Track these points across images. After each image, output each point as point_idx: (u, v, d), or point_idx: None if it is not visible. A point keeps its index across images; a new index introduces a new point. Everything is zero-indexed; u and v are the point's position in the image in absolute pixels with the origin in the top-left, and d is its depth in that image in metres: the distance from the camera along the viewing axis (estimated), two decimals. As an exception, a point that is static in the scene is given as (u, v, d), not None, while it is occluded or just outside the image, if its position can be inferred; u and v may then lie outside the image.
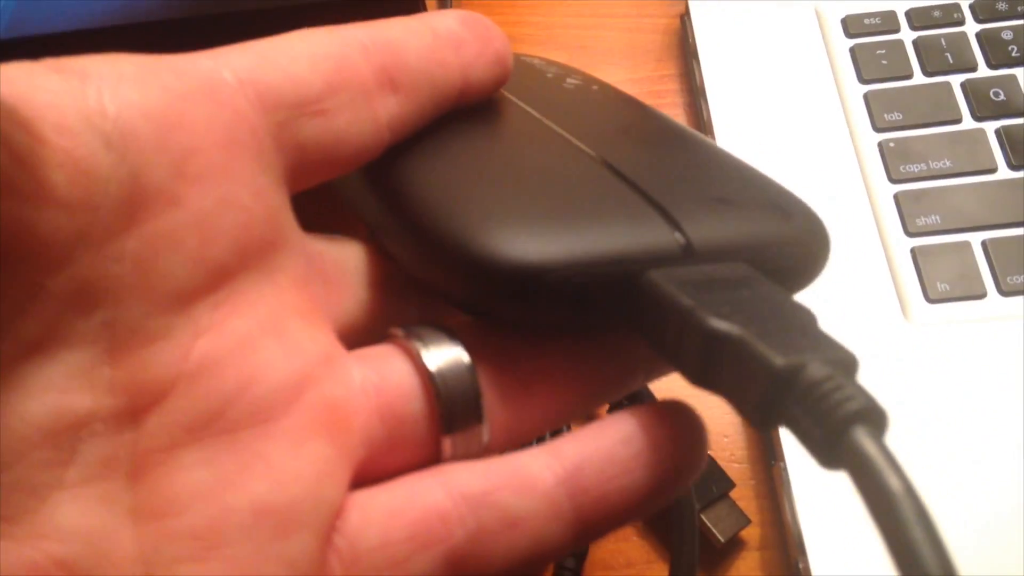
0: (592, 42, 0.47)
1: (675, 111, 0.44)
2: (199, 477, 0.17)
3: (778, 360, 0.16)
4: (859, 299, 0.34)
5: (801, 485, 0.30)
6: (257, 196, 0.18)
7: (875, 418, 0.15)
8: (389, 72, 0.20)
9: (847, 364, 0.16)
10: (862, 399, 0.15)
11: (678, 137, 0.24)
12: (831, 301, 0.34)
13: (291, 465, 0.17)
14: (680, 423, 0.20)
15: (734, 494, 0.32)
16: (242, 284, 0.18)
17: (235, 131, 0.18)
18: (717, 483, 0.32)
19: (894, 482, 0.15)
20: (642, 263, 0.18)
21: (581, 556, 0.32)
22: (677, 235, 0.19)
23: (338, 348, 0.19)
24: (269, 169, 0.18)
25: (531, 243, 0.18)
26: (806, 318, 0.17)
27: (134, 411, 0.16)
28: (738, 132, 0.39)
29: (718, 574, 0.32)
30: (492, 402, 0.19)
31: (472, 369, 0.19)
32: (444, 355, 0.19)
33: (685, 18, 0.44)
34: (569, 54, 0.46)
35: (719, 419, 0.35)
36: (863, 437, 0.15)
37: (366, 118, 0.19)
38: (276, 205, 0.19)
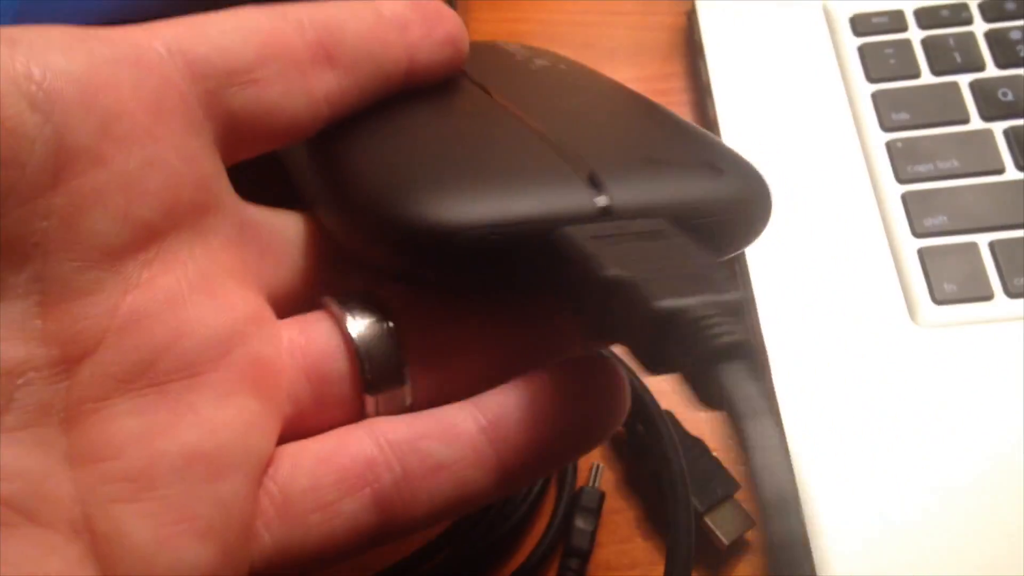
0: (598, 40, 0.46)
1: (681, 109, 0.44)
2: (131, 424, 0.18)
3: (656, 304, 0.16)
4: (865, 300, 0.34)
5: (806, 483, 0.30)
6: (187, 160, 0.19)
7: (744, 354, 0.16)
8: (326, 48, 0.21)
9: (727, 305, 0.17)
10: (730, 336, 0.16)
11: (629, 104, 0.24)
12: (837, 301, 0.34)
13: (219, 415, 0.19)
14: (600, 376, 0.21)
15: (740, 496, 0.32)
16: (172, 243, 0.19)
17: (163, 97, 0.19)
18: (721, 485, 0.32)
19: (751, 415, 0.15)
20: (559, 222, 0.19)
21: (585, 556, 0.32)
22: (599, 196, 0.19)
23: (267, 310, 0.21)
24: (200, 135, 0.19)
25: (447, 206, 0.19)
26: (709, 268, 0.18)
27: (66, 361, 0.17)
28: (745, 130, 0.38)
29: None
30: (416, 366, 0.21)
31: (394, 333, 0.21)
32: (368, 320, 0.21)
33: (691, 16, 0.44)
34: (574, 52, 0.46)
35: (723, 421, 0.35)
36: (729, 373, 0.16)
37: (300, 91, 0.20)
38: (208, 169, 0.20)
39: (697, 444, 0.33)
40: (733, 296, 0.17)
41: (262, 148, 0.21)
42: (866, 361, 0.32)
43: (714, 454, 0.33)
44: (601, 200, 0.19)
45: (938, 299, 0.33)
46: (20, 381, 0.17)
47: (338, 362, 0.21)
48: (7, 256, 0.17)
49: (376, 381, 0.20)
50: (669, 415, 0.34)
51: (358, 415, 0.21)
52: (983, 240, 0.34)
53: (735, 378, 0.16)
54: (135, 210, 0.18)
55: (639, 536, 0.33)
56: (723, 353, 0.16)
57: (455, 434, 0.20)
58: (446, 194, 0.19)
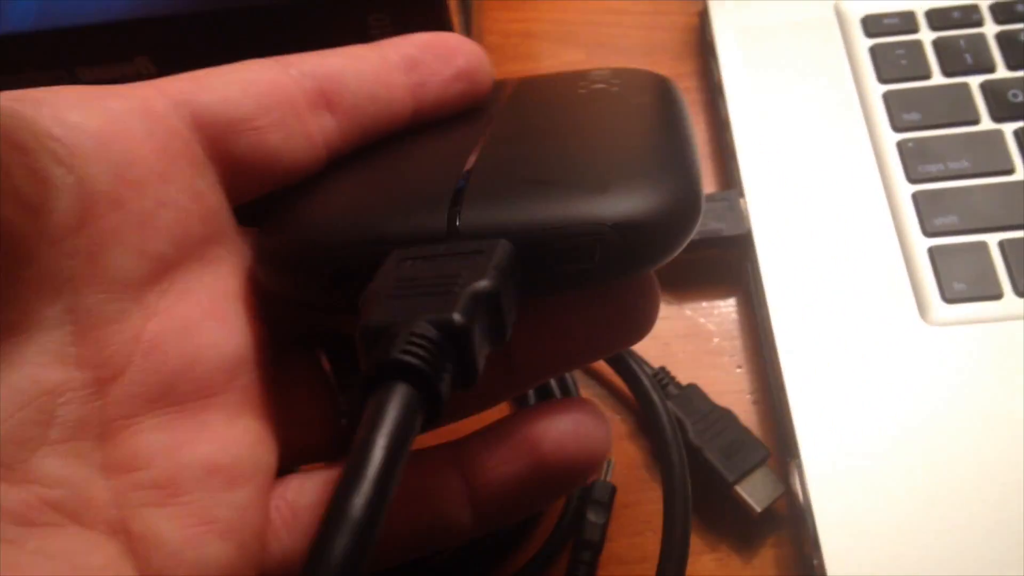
0: (610, 39, 0.47)
1: (693, 108, 0.44)
2: (157, 439, 0.20)
3: (363, 317, 0.18)
4: (876, 298, 0.34)
5: (817, 481, 0.31)
6: (194, 198, 0.21)
7: (405, 376, 0.17)
8: (325, 95, 0.23)
9: (441, 324, 0.18)
10: (401, 356, 0.17)
11: (605, 125, 0.24)
12: (848, 299, 0.34)
13: (230, 433, 0.21)
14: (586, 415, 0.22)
15: (770, 463, 0.33)
16: (185, 273, 0.21)
17: (170, 144, 0.21)
18: (751, 453, 0.32)
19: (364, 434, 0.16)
20: (401, 242, 0.20)
21: (596, 549, 0.32)
22: (448, 218, 0.20)
23: (266, 333, 0.23)
24: (205, 175, 0.22)
25: (305, 231, 0.21)
26: (461, 283, 0.18)
27: (99, 383, 0.19)
28: (756, 130, 0.39)
29: (756, 548, 0.33)
30: None
31: None
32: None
33: (704, 16, 0.44)
34: (587, 51, 0.47)
35: (748, 384, 0.35)
36: (381, 389, 0.17)
37: (299, 136, 0.22)
38: (214, 205, 0.22)
39: (726, 415, 0.34)
40: (448, 317, 0.17)
41: (266, 188, 0.23)
42: (876, 359, 0.33)
43: (743, 423, 0.34)
44: (445, 222, 0.20)
45: (948, 298, 0.34)
46: (60, 400, 0.19)
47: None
48: (43, 292, 0.19)
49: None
50: (694, 388, 0.34)
51: None
52: (993, 239, 0.35)
53: (381, 395, 0.17)
54: (150, 245, 0.20)
55: (650, 530, 0.33)
56: (383, 368, 0.17)
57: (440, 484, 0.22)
58: (313, 222, 0.21)
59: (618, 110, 0.24)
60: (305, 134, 0.22)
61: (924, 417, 0.31)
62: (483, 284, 0.18)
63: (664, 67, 0.45)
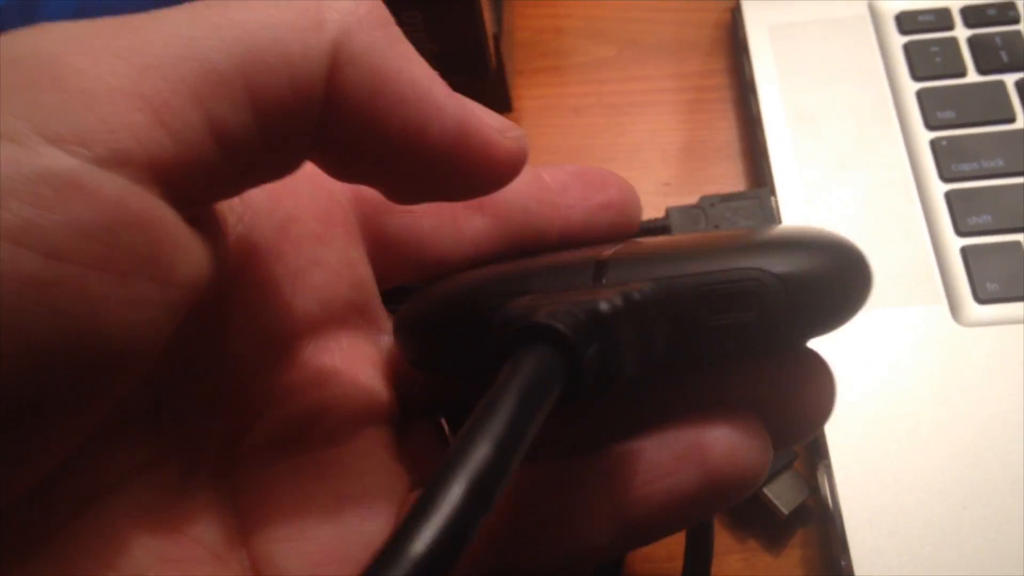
0: (642, 36, 0.47)
1: (724, 106, 0.44)
2: (285, 482, 0.20)
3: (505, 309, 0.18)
4: (908, 298, 0.34)
5: (845, 483, 0.30)
6: (346, 265, 0.22)
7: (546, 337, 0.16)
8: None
9: (587, 306, 0.17)
10: (550, 321, 0.16)
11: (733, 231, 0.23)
12: (879, 299, 0.34)
13: (360, 466, 0.21)
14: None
15: (797, 465, 0.33)
16: (327, 334, 0.22)
17: (331, 210, 0.22)
18: (778, 456, 0.32)
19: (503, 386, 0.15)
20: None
21: (623, 547, 0.32)
22: (592, 277, 0.19)
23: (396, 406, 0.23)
24: (358, 247, 0.22)
25: (443, 297, 0.22)
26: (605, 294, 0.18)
27: (236, 431, 0.20)
28: (787, 127, 0.38)
29: (783, 547, 0.33)
30: None
31: None
32: None
33: (736, 13, 0.44)
34: (619, 48, 0.46)
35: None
36: (524, 354, 0.16)
37: (449, 228, 0.23)
38: (363, 277, 0.22)
39: None
40: (587, 300, 0.17)
41: (411, 275, 0.24)
42: (907, 359, 0.32)
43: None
44: (583, 280, 0.19)
45: (981, 298, 0.33)
46: (201, 449, 0.20)
47: None
48: (201, 340, 0.19)
49: None
50: None
51: None
52: (1027, 240, 0.34)
53: (520, 357, 0.16)
54: (298, 300, 0.21)
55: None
56: (522, 332, 0.16)
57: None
58: (454, 289, 0.22)
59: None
60: (456, 228, 0.23)
61: (954, 418, 0.31)
62: (631, 292, 0.17)
63: (696, 64, 0.45)
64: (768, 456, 0.19)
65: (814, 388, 0.19)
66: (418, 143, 0.17)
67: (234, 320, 0.20)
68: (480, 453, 0.14)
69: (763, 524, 0.33)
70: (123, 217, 0.14)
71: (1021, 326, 0.33)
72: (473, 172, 0.18)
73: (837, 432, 0.31)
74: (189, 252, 0.16)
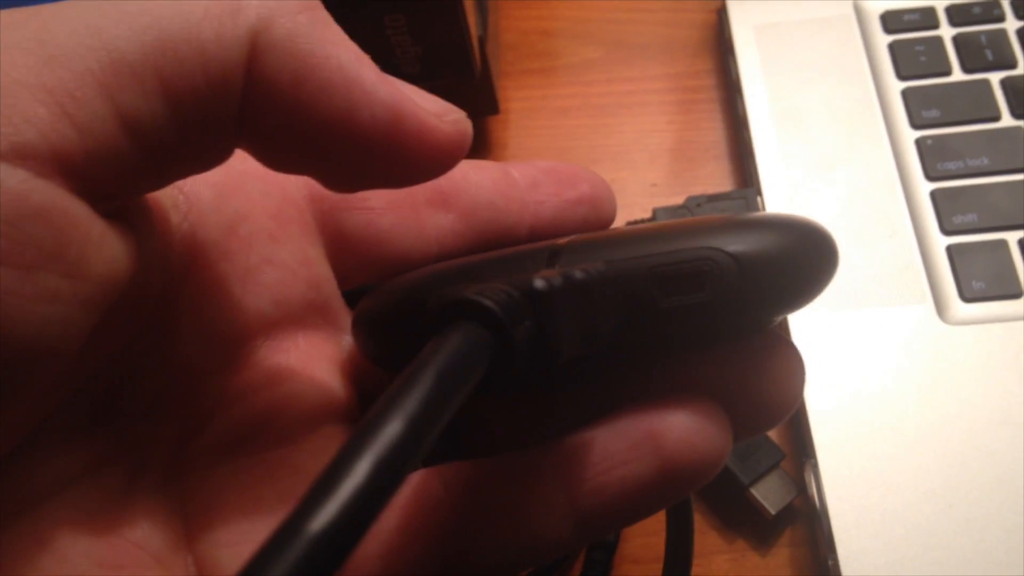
0: (628, 37, 0.47)
1: (711, 106, 0.44)
2: (230, 485, 0.20)
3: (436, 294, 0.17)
4: (894, 297, 0.34)
5: (832, 483, 0.30)
6: (303, 263, 0.21)
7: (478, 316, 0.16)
8: (443, 192, 0.22)
9: (520, 283, 0.16)
10: (475, 297, 0.16)
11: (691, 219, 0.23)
12: (865, 298, 0.34)
13: (314, 465, 0.20)
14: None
15: (785, 464, 0.33)
16: (282, 334, 0.21)
17: (284, 208, 0.21)
18: (766, 456, 0.32)
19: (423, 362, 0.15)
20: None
21: (611, 549, 0.32)
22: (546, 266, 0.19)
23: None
24: (315, 245, 0.22)
25: (398, 292, 0.21)
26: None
27: (187, 433, 0.20)
28: (773, 127, 0.39)
29: (770, 547, 0.33)
30: None
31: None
32: None
33: (722, 13, 0.44)
34: (606, 49, 0.47)
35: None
36: (448, 332, 0.16)
37: (411, 225, 0.22)
38: (320, 275, 0.22)
39: None
40: (520, 278, 0.16)
41: (373, 274, 0.23)
42: (893, 358, 0.32)
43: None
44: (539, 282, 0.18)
45: (967, 296, 0.33)
46: (148, 454, 0.19)
47: None
48: (148, 341, 0.19)
49: None
50: None
51: None
52: (1013, 238, 0.34)
53: (443, 334, 0.15)
54: (250, 300, 0.20)
55: (663, 530, 0.33)
56: (448, 308, 0.16)
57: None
58: (410, 283, 0.21)
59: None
60: (418, 225, 0.22)
61: (941, 417, 0.31)
62: (572, 272, 0.17)
63: (682, 65, 0.45)
64: (728, 443, 0.18)
65: (780, 373, 0.19)
66: (348, 130, 0.17)
67: (182, 321, 0.19)
68: (390, 429, 0.13)
69: (751, 524, 0.33)
70: (25, 210, 0.14)
71: (1007, 324, 0.33)
72: (409, 158, 0.18)
73: (824, 432, 0.31)
74: (103, 246, 0.16)
